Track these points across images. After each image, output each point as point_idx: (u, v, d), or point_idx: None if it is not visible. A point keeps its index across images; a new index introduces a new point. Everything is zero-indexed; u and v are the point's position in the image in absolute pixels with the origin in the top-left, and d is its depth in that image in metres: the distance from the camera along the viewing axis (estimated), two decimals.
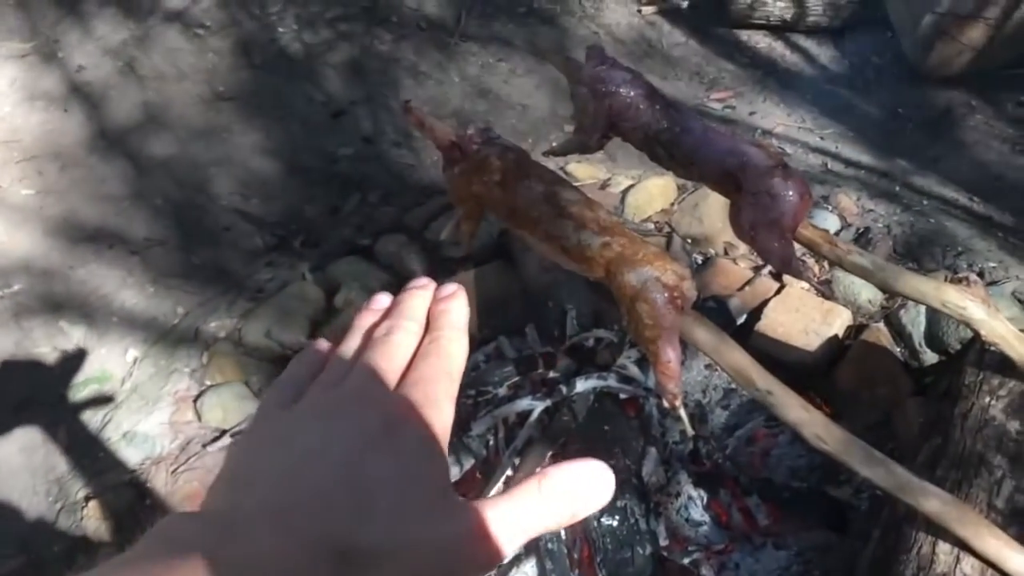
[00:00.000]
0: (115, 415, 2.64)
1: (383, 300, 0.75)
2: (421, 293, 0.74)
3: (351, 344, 0.69)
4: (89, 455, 2.55)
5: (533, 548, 2.33)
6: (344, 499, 0.54)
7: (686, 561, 2.31)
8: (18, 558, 2.37)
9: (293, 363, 0.72)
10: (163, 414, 2.64)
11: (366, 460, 0.56)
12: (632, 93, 1.97)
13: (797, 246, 1.98)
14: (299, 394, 0.64)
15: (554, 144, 2.91)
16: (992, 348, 1.98)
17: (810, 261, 2.63)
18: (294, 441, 0.58)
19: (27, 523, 2.42)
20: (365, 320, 0.72)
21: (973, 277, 2.05)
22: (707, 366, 2.71)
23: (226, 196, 3.45)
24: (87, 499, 2.45)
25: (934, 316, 2.61)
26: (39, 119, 3.62)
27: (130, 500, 2.45)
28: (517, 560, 2.34)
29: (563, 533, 2.30)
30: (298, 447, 0.58)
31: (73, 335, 2.88)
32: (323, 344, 0.72)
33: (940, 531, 1.73)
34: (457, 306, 0.72)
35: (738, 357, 1.84)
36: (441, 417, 0.62)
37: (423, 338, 0.69)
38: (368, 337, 0.69)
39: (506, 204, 1.92)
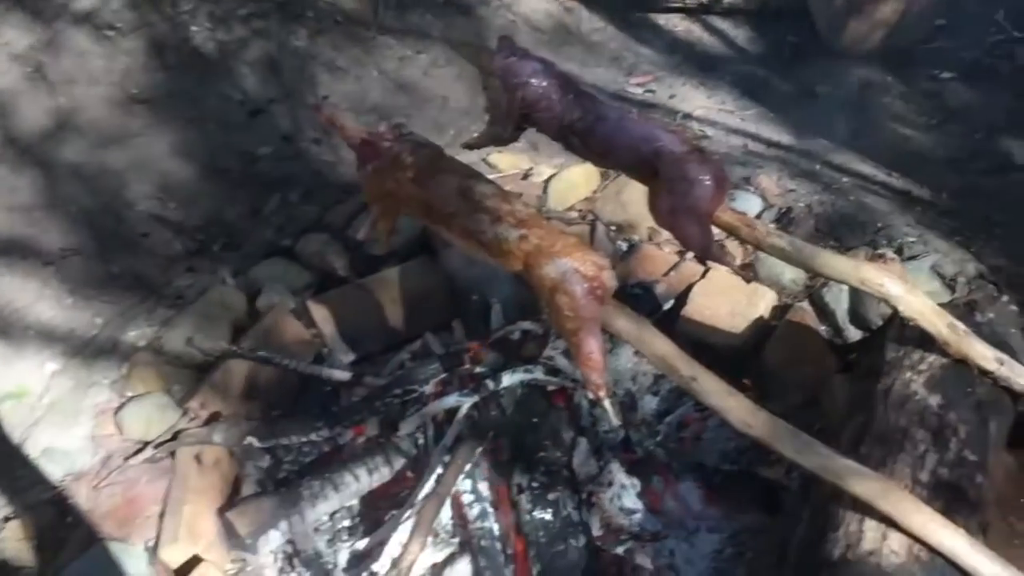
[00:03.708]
0: (33, 431, 2.57)
1: None
2: None
3: None
4: (7, 474, 2.48)
5: (466, 546, 2.31)
6: None
7: (620, 550, 2.30)
8: None
9: None
10: (83, 428, 2.57)
11: None
12: (544, 83, 1.95)
13: (717, 230, 1.99)
14: None
15: (475, 135, 2.89)
16: (911, 324, 1.99)
17: (731, 244, 2.64)
18: None
19: None
20: None
21: (890, 254, 2.07)
22: (636, 353, 2.70)
23: (143, 201, 3.37)
24: (6, 519, 2.37)
25: (855, 294, 2.63)
26: None
27: (51, 518, 2.38)
28: (451, 559, 2.32)
29: (496, 529, 2.28)
30: None
31: None
32: None
33: (867, 509, 1.73)
34: None
35: (660, 345, 1.83)
36: None
37: None
38: None
39: (421, 200, 1.90)
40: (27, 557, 2.30)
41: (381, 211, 2.01)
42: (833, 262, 1.97)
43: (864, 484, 1.71)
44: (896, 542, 1.70)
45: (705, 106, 3.81)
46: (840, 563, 1.72)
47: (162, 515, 2.33)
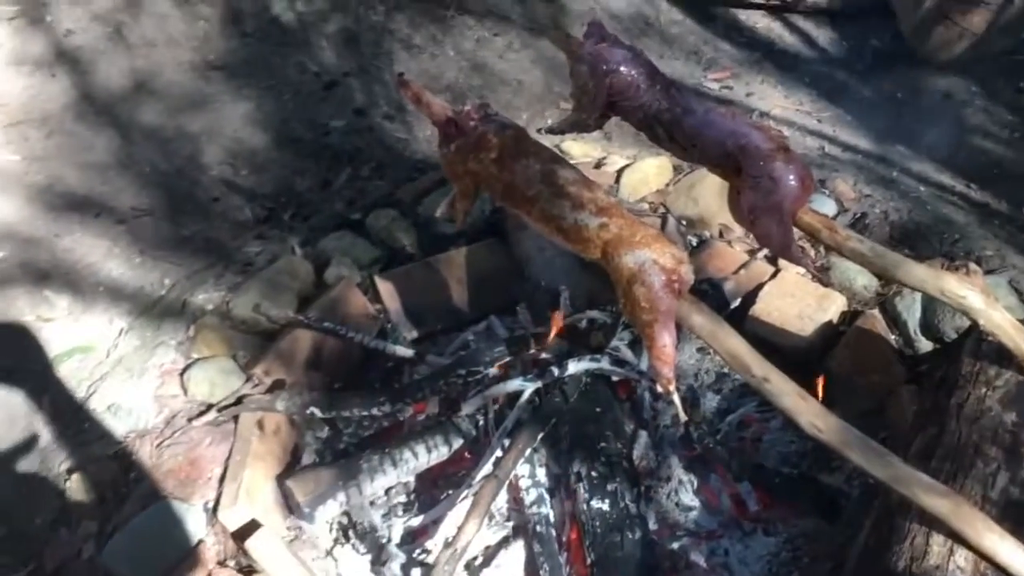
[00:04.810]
0: (100, 387, 2.60)
1: None
2: None
3: None
4: (73, 427, 2.51)
5: (521, 530, 2.32)
6: None
7: (675, 546, 2.29)
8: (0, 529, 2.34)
9: None
10: (148, 387, 2.59)
11: None
12: (633, 72, 1.93)
13: (796, 231, 1.96)
14: None
15: (550, 122, 2.88)
16: (990, 338, 1.96)
17: (807, 246, 2.61)
18: None
19: (9, 495, 2.38)
20: None
21: (973, 266, 2.02)
22: (699, 349, 2.69)
23: (215, 166, 3.40)
24: (70, 471, 2.40)
25: (930, 304, 2.59)
26: (25, 84, 3.55)
27: (114, 473, 2.41)
28: (505, 542, 2.32)
29: (551, 515, 2.28)
30: None
31: (58, 304, 2.83)
32: None
33: (934, 523, 1.71)
34: None
35: (735, 343, 1.81)
36: None
37: None
38: None
39: (502, 182, 1.90)
40: (89, 510, 2.33)
41: (460, 191, 2.01)
42: (914, 271, 1.93)
43: (934, 498, 1.68)
44: (963, 559, 1.68)
45: (782, 105, 3.76)
46: (904, 575, 1.70)
47: (222, 478, 2.34)
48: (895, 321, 2.67)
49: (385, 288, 2.83)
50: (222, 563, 2.25)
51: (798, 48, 4.19)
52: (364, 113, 3.70)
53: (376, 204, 3.18)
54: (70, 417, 2.53)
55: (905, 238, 2.92)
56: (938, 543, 1.71)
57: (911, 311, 2.64)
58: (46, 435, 2.50)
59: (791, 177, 1.81)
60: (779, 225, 1.86)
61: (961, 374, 2.09)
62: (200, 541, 2.26)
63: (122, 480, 2.39)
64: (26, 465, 2.45)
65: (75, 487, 2.37)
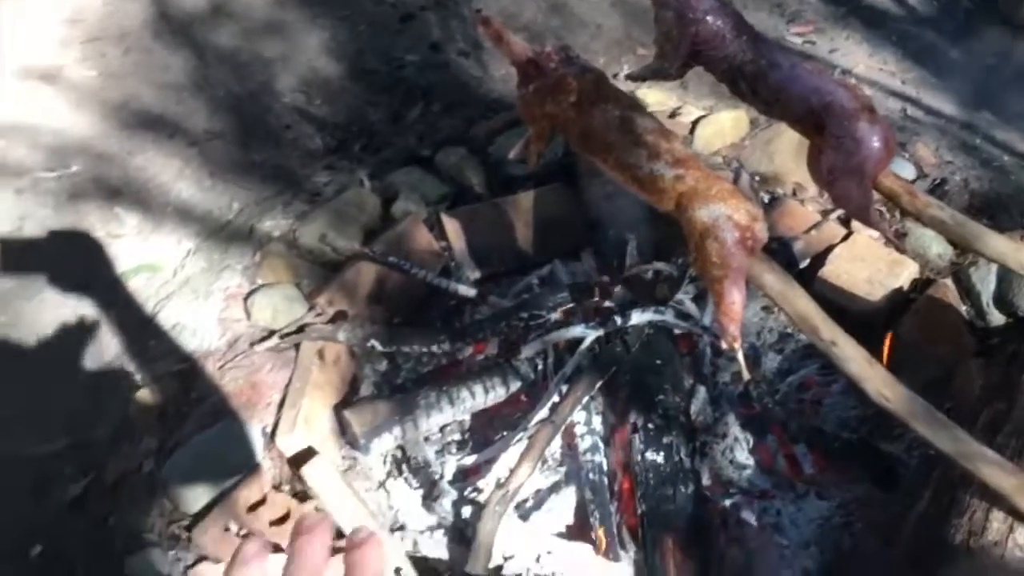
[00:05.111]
0: (166, 306, 2.63)
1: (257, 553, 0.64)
2: (317, 540, 0.64)
3: None
4: (138, 343, 2.55)
5: (574, 476, 2.32)
6: None
7: (727, 503, 2.28)
8: (62, 439, 2.38)
9: None
10: (213, 309, 2.62)
11: None
12: (719, 22, 1.88)
13: (875, 195, 1.91)
14: None
15: (627, 67, 2.82)
16: None
17: (884, 210, 2.55)
18: None
19: (73, 406, 2.43)
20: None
21: None
22: (764, 308, 2.66)
23: (288, 94, 3.40)
24: (134, 387, 2.44)
25: (1005, 276, 2.53)
26: (104, 0, 3.58)
27: (176, 391, 2.44)
28: (556, 487, 2.33)
29: (604, 464, 2.28)
30: None
31: (128, 222, 2.87)
32: None
33: (996, 499, 1.68)
34: (375, 559, 0.62)
35: (804, 304, 1.78)
36: None
37: None
38: None
39: (579, 127, 1.87)
40: (151, 426, 2.37)
41: (535, 133, 1.98)
42: (995, 242, 1.88)
43: (1000, 476, 1.65)
44: (1023, 537, 1.66)
45: (866, 64, 3.66)
46: (961, 549, 1.68)
47: (281, 404, 2.37)
48: (968, 292, 2.61)
49: (451, 226, 2.82)
50: (277, 487, 2.28)
51: (886, 5, 4.07)
52: (439, 48, 3.67)
53: (447, 141, 3.16)
54: (136, 333, 2.57)
55: (985, 207, 2.85)
56: (998, 520, 1.69)
57: (985, 283, 2.58)
58: (112, 349, 2.54)
59: (875, 139, 1.76)
60: (859, 187, 1.82)
61: None
62: (257, 464, 2.29)
63: (184, 399, 2.42)
64: (91, 378, 2.49)
65: (138, 402, 2.41)
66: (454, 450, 2.42)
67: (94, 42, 3.44)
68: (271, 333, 2.54)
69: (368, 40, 3.66)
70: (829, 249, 2.69)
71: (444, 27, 3.76)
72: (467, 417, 2.46)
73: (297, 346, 2.48)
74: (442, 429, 2.45)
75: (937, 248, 2.69)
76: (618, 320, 2.34)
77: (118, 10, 3.55)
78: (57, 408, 2.43)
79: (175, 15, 3.58)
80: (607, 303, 2.43)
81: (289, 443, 2.26)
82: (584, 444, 2.31)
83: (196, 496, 2.22)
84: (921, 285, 2.64)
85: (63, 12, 3.53)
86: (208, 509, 2.20)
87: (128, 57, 3.42)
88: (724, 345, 1.76)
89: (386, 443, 2.34)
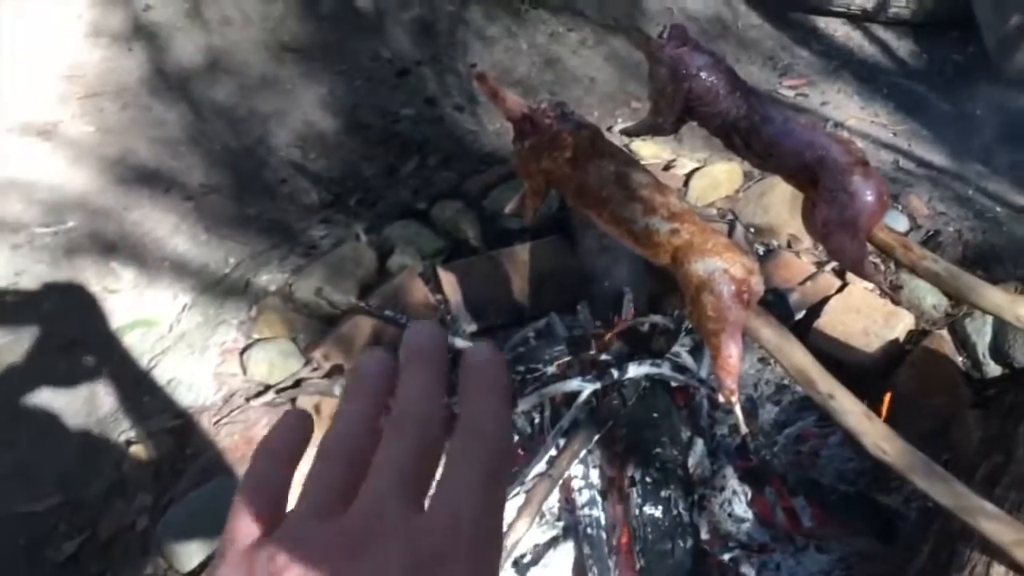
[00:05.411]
0: (161, 361, 2.63)
1: (377, 364, 0.55)
2: (435, 358, 0.55)
3: (345, 443, 0.51)
4: (133, 399, 2.54)
5: (572, 531, 2.30)
6: None
7: (726, 557, 2.27)
8: (55, 496, 2.37)
9: (275, 436, 0.51)
10: (209, 364, 2.62)
11: None
12: (713, 78, 1.90)
13: (869, 247, 1.92)
14: (275, 511, 0.49)
15: (621, 121, 2.84)
16: None
17: (878, 263, 2.56)
18: None
19: (66, 463, 2.42)
20: (360, 400, 0.53)
21: None
22: (761, 360, 2.66)
23: (284, 148, 3.42)
24: (128, 443, 2.44)
25: (1001, 327, 2.54)
26: (102, 56, 3.60)
27: (171, 447, 2.44)
28: (554, 542, 2.31)
29: (603, 519, 2.26)
30: None
31: (124, 277, 2.87)
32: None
33: (996, 553, 1.67)
34: (498, 374, 0.53)
35: (801, 357, 1.78)
36: (492, 543, 0.47)
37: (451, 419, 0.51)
38: (368, 427, 0.51)
39: (575, 182, 1.87)
40: (145, 482, 2.36)
41: (531, 188, 1.99)
42: (989, 294, 1.88)
43: (1000, 529, 1.64)
44: None
45: (858, 117, 3.70)
46: None
47: None
48: (964, 343, 2.62)
49: (447, 279, 2.82)
50: None
51: (877, 59, 4.12)
52: (435, 103, 3.70)
53: (442, 195, 3.18)
54: (130, 389, 2.56)
55: (979, 259, 2.86)
56: (999, 574, 1.68)
57: (981, 334, 2.59)
58: (106, 405, 2.53)
59: (869, 193, 1.77)
60: (854, 240, 1.83)
61: None
62: None
63: (179, 455, 2.41)
64: (85, 434, 2.48)
65: (132, 458, 2.40)
66: None
67: (92, 98, 3.46)
68: (267, 388, 2.53)
69: (364, 95, 3.69)
70: (824, 301, 2.70)
71: (439, 82, 3.79)
72: None
73: (293, 401, 2.47)
74: None
75: (932, 299, 2.70)
76: (615, 373, 2.33)
77: (116, 66, 3.57)
78: (50, 465, 2.41)
79: (172, 71, 3.60)
80: (604, 356, 2.42)
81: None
82: (582, 498, 2.29)
83: (191, 553, 2.20)
84: (917, 336, 2.65)
85: (61, 68, 3.55)
86: (203, 567, 2.18)
87: (125, 112, 3.44)
88: (721, 398, 1.76)
89: None
